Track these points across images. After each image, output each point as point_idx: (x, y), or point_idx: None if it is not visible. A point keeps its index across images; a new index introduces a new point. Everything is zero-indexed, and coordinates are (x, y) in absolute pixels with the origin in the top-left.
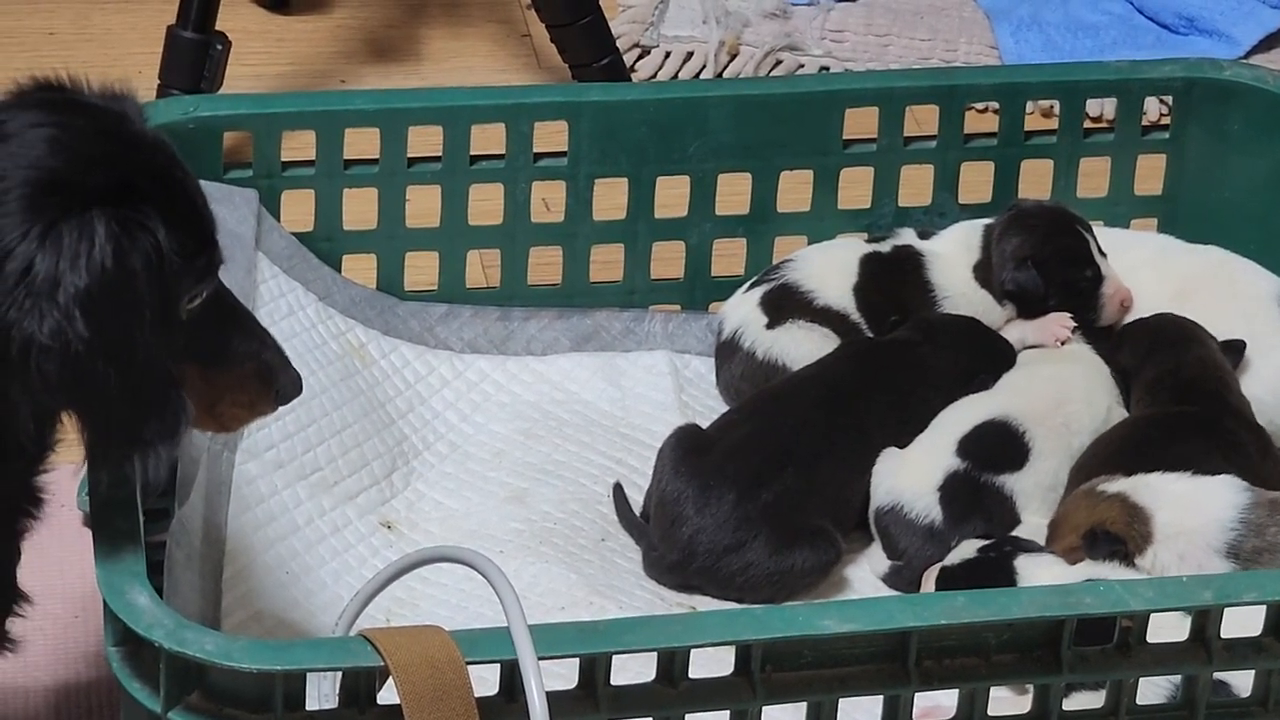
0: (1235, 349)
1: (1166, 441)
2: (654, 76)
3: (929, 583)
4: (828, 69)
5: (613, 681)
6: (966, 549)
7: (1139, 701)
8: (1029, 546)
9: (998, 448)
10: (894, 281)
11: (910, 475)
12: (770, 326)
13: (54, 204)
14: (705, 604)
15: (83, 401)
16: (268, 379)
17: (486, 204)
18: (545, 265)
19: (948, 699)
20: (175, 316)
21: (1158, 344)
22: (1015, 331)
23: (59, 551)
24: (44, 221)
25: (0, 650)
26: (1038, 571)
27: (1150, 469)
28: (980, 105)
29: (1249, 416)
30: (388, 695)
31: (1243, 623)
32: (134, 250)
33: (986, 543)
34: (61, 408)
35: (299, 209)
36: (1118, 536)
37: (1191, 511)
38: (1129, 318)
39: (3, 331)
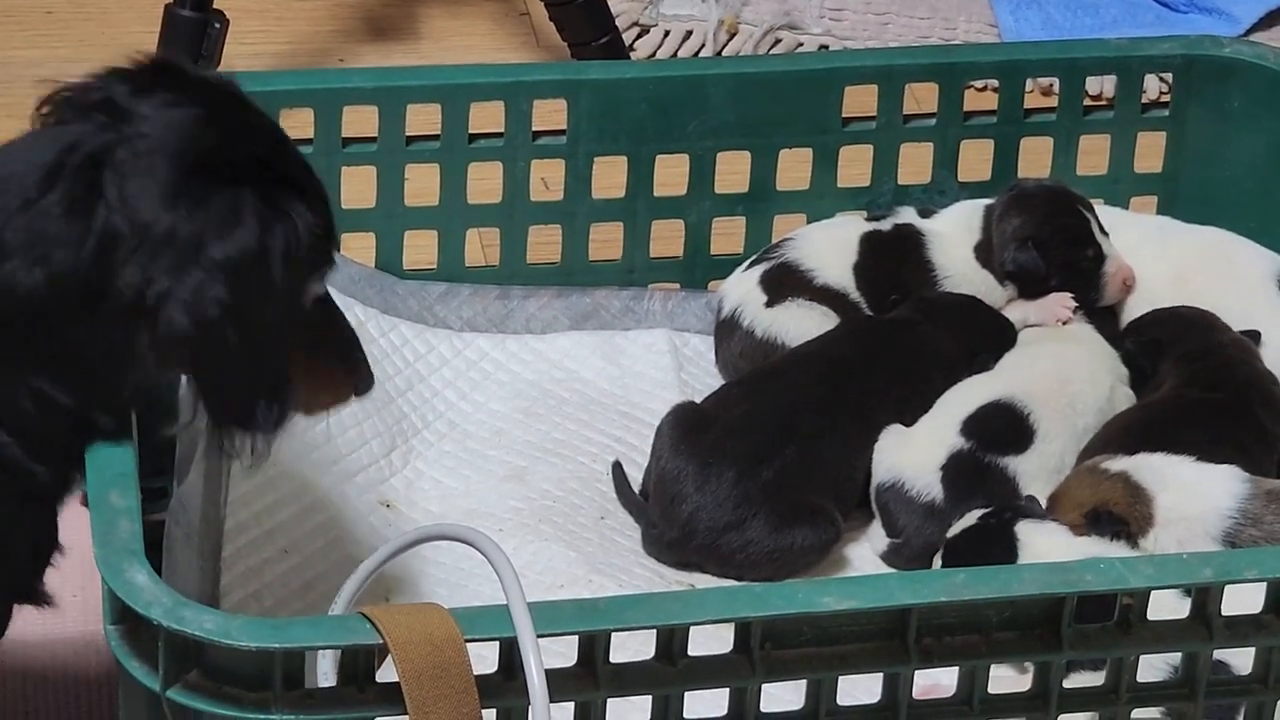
0: (1251, 337)
1: (1178, 425)
2: (653, 55)
3: (938, 562)
4: (827, 47)
5: (612, 659)
6: (969, 518)
7: (1139, 680)
8: (1032, 512)
9: (1002, 429)
10: (894, 260)
11: (913, 453)
12: (769, 305)
13: (203, 178)
14: (704, 582)
15: (205, 368)
16: (352, 371)
17: (485, 182)
18: (544, 244)
19: (948, 677)
20: (300, 303)
21: (1192, 325)
22: (1017, 312)
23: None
24: (193, 195)
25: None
26: (1039, 539)
27: (1156, 450)
28: (980, 83)
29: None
30: (387, 673)
31: (1243, 602)
32: (276, 230)
33: (987, 510)
34: (178, 372)
35: None
36: (1121, 518)
37: (1193, 498)
38: (1131, 297)
39: (142, 286)
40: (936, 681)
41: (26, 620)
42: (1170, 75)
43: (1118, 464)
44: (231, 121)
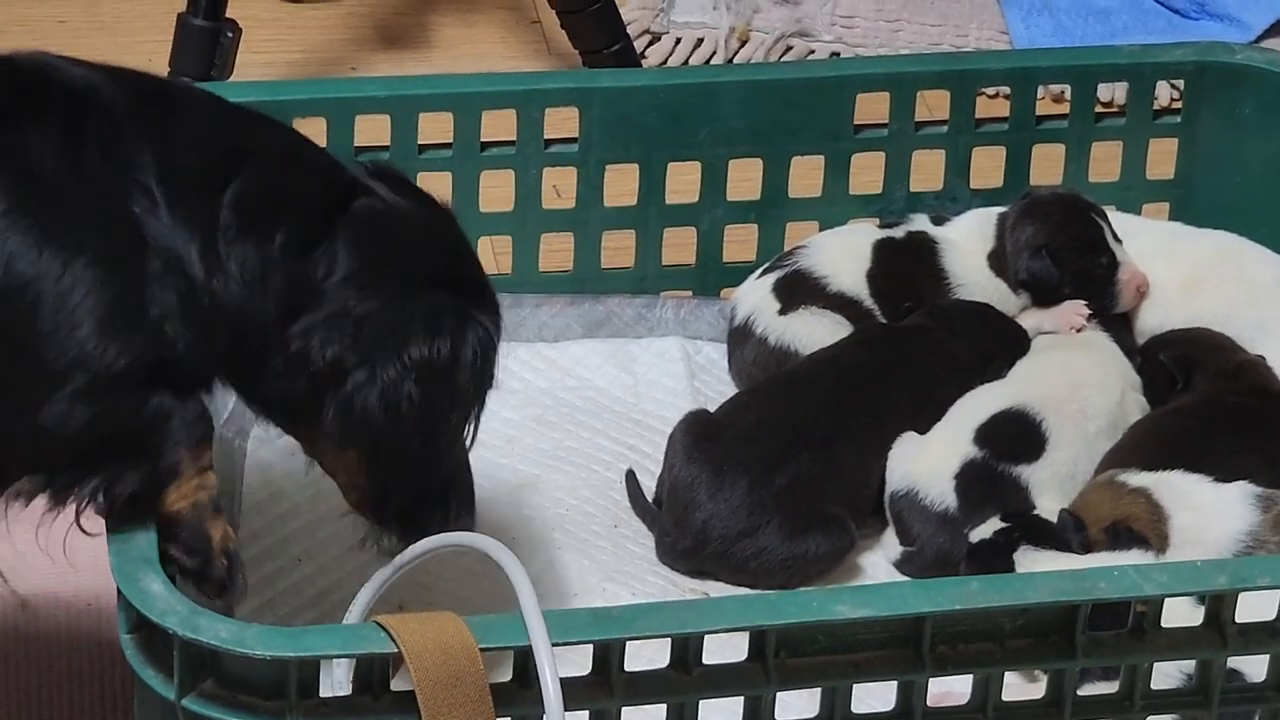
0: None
1: (1210, 431)
2: (664, 63)
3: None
4: (838, 54)
5: (626, 668)
6: (988, 528)
7: (1153, 687)
8: (1042, 532)
9: (1015, 437)
10: (908, 268)
11: (927, 461)
12: (783, 313)
13: (407, 278)
14: (718, 590)
15: (381, 457)
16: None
17: (497, 190)
18: (556, 252)
19: (962, 684)
20: (479, 412)
21: (1220, 347)
22: (1031, 319)
23: (72, 539)
24: (400, 285)
25: None
26: (1034, 568)
27: (1184, 463)
28: (991, 90)
29: None
30: (401, 682)
31: (1256, 610)
32: (469, 339)
33: (1002, 526)
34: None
35: None
36: (1142, 536)
37: (1208, 520)
38: (1144, 303)
39: (341, 362)
40: (950, 689)
41: (41, 630)
42: (1182, 82)
43: (1138, 479)
44: (440, 221)
